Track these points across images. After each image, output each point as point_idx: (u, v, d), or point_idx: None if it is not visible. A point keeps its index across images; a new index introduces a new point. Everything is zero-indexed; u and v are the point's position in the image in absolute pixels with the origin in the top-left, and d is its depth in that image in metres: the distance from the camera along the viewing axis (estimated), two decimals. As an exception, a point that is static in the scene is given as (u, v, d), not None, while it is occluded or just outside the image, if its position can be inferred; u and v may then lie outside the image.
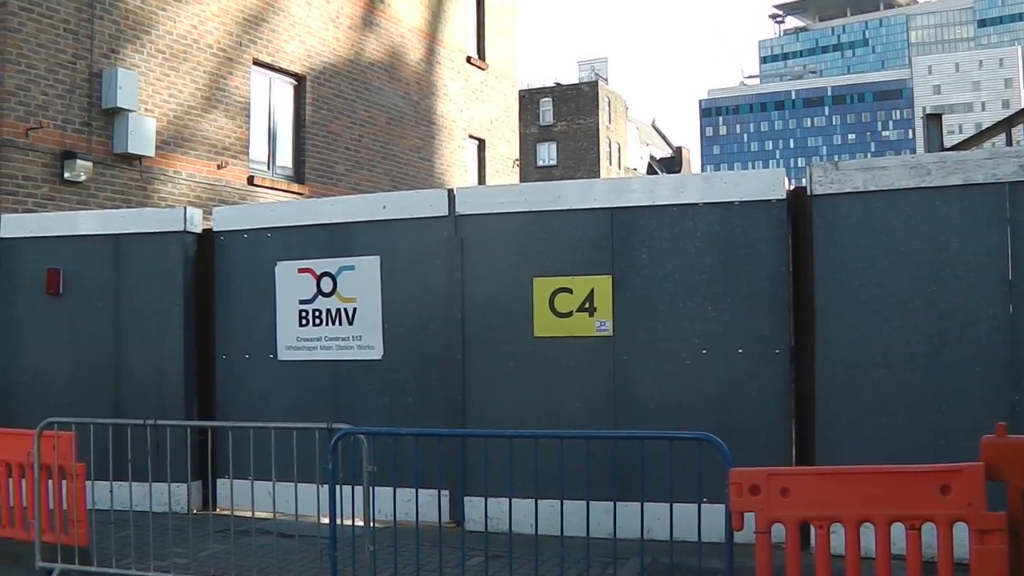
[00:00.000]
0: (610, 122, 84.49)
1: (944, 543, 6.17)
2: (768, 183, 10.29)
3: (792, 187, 10.40)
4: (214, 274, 12.53)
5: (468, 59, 27.94)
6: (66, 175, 15.35)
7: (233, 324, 12.39)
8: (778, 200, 10.16)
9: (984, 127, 22.23)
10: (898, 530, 6.26)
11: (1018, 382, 9.23)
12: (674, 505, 7.17)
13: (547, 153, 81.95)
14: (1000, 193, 9.32)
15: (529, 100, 78.20)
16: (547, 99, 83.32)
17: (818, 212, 9.88)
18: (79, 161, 15.44)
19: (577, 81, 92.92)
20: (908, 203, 9.59)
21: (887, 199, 9.65)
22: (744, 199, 10.23)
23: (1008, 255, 9.30)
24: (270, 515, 9.60)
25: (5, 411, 12.93)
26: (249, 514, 9.41)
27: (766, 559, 6.49)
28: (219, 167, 18.56)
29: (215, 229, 12.61)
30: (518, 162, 30.92)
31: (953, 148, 20.49)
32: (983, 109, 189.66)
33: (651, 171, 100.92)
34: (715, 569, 7.53)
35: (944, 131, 22.60)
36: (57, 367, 12.76)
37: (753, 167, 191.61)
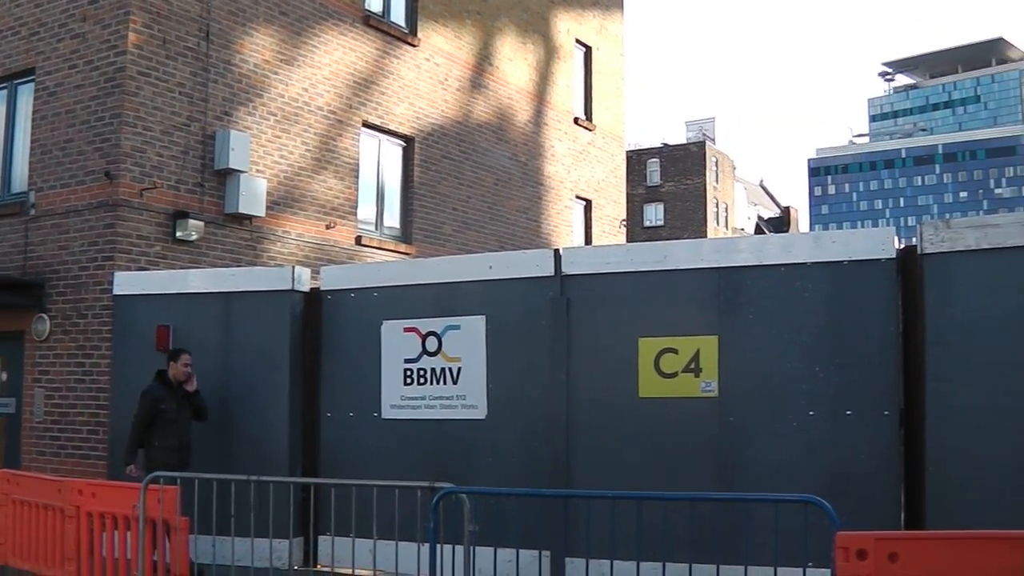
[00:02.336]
0: (717, 182, 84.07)
1: (1062, 615, 5.97)
2: (878, 242, 10.14)
3: (902, 246, 10.23)
4: (321, 332, 12.66)
5: (575, 120, 27.97)
6: (178, 234, 15.62)
7: (339, 382, 12.48)
8: (888, 259, 10.00)
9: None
10: (1013, 599, 6.07)
11: None
12: (779, 569, 7.03)
13: (654, 214, 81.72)
14: (1122, 249, 9.08)
15: (636, 161, 78.10)
16: (654, 160, 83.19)
17: (929, 271, 9.71)
18: (191, 221, 15.70)
19: (684, 141, 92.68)
20: (1023, 262, 9.37)
21: (1001, 257, 9.44)
22: (853, 258, 10.09)
23: None
24: (370, 572, 9.60)
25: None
26: (350, 571, 9.42)
27: (875, 627, 6.33)
28: (328, 227, 18.74)
29: (323, 288, 12.76)
30: (625, 223, 30.82)
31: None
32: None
33: (759, 231, 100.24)
34: (822, 636, 7.38)
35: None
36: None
37: (863, 226, 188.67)
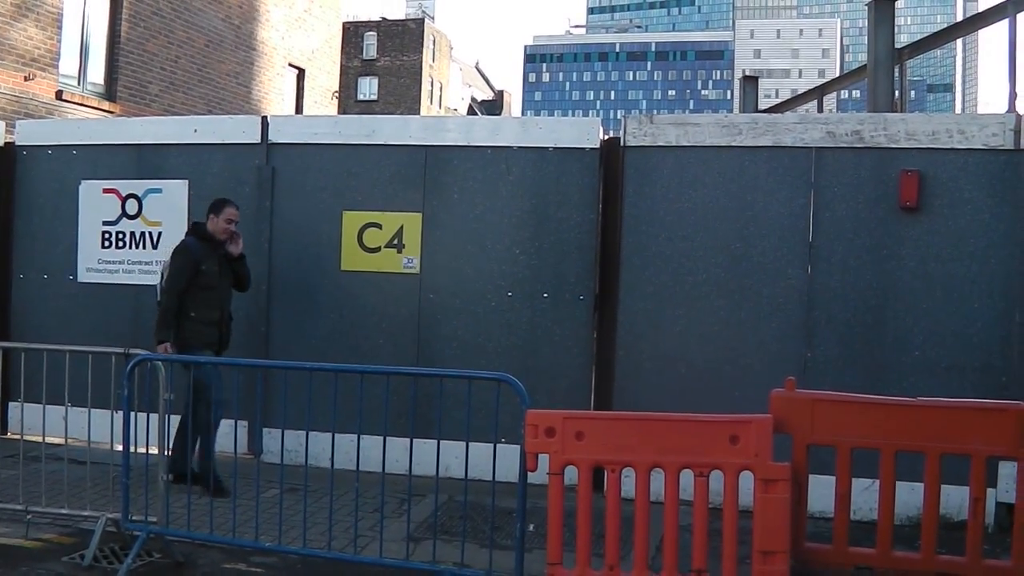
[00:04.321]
0: (434, 61, 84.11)
1: (730, 491, 6.35)
2: (583, 132, 10.40)
3: (607, 137, 10.51)
4: (14, 190, 12.10)
5: (293, -14, 27.49)
6: None
7: (32, 243, 12.00)
8: (592, 149, 10.28)
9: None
10: (688, 477, 6.41)
11: (811, 340, 9.56)
12: (471, 444, 7.20)
13: (368, 88, 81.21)
14: (807, 157, 9.60)
15: (354, 33, 77.34)
16: (372, 33, 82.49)
17: (630, 163, 10.04)
18: None
19: (403, 17, 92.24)
20: (718, 161, 9.83)
21: (698, 155, 9.87)
22: (558, 146, 10.32)
23: (810, 217, 9.60)
24: (62, 440, 9.36)
25: None
26: (40, 439, 9.17)
27: (558, 500, 6.59)
28: (26, 79, 17.88)
29: (17, 143, 12.17)
30: (337, 94, 30.55)
31: (766, 111, 20.91)
32: (800, 76, 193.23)
33: (472, 112, 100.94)
34: (509, 509, 7.64)
35: (761, 95, 23.12)
36: None
37: (573, 115, 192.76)
